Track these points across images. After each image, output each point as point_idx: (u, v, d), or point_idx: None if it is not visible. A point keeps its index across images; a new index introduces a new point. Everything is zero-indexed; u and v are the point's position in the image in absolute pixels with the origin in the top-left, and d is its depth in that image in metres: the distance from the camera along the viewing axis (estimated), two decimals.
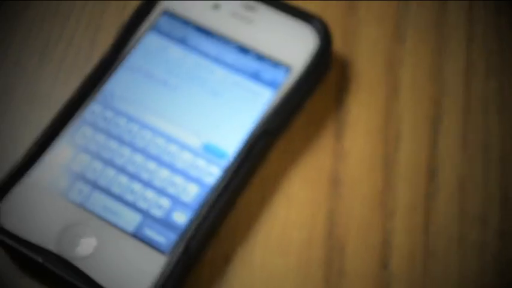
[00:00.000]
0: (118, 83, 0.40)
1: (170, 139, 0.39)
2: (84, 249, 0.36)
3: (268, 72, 0.40)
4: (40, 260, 0.35)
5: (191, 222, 0.37)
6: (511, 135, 0.39)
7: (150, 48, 0.41)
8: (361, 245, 0.37)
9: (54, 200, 0.37)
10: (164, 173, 0.38)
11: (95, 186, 0.38)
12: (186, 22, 0.42)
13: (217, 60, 0.41)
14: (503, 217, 0.37)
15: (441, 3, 0.43)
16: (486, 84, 0.41)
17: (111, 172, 0.38)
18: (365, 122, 0.40)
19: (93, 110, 0.40)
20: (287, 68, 0.40)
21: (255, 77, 0.40)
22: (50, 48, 0.43)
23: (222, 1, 0.42)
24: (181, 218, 0.37)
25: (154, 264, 0.36)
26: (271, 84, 0.40)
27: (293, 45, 0.41)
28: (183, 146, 0.39)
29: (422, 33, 0.42)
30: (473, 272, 0.36)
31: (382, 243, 0.37)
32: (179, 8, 0.42)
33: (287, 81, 0.40)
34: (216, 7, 0.42)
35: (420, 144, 0.40)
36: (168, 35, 0.41)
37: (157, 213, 0.37)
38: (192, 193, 0.38)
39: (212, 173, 0.38)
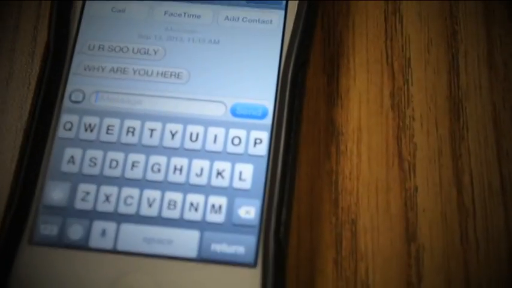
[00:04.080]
0: (82, 74, 0.31)
1: (187, 120, 0.30)
2: None
3: None
4: None
5: (266, 211, 0.28)
6: None
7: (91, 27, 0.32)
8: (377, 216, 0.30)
9: (75, 257, 0.28)
10: (200, 164, 0.29)
11: (118, 218, 0.28)
12: None
13: None
14: None
15: None
16: None
17: (132, 192, 0.29)
18: (366, 54, 0.33)
19: (67, 123, 0.30)
20: None
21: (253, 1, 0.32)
22: None
23: None
24: (249, 212, 0.29)
25: (246, 283, 0.27)
26: (276, 3, 0.32)
27: None
28: (207, 121, 0.30)
29: None
30: None
31: (405, 210, 0.30)
32: None
33: None
34: None
35: (439, 72, 0.32)
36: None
37: (216, 219, 0.29)
38: (248, 175, 0.29)
39: (259, 139, 0.29)
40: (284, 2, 0.32)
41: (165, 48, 0.31)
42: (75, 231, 0.28)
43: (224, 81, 0.30)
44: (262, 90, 0.30)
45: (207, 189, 0.29)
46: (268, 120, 0.30)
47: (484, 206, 0.30)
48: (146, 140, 0.30)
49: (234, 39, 0.31)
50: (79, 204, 0.29)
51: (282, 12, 0.32)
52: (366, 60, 0.33)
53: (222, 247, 0.28)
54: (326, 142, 0.31)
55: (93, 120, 0.30)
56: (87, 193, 0.29)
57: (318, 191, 0.30)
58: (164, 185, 0.29)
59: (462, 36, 0.33)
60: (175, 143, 0.30)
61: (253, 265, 0.28)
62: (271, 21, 0.31)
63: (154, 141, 0.30)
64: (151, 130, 0.30)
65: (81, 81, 0.31)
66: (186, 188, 0.29)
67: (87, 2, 0.32)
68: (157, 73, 0.31)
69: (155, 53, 0.31)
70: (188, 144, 0.30)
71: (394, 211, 0.30)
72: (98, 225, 0.28)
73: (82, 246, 0.28)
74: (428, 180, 0.31)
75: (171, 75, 0.31)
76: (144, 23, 0.32)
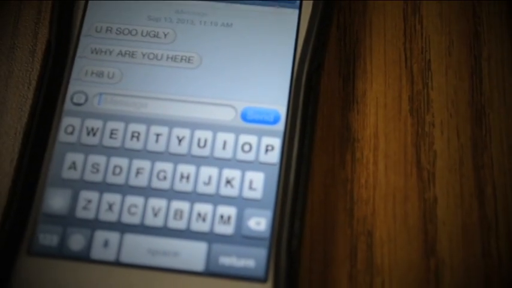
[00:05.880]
0: (84, 77, 0.30)
1: (194, 125, 0.29)
2: None
3: None
4: None
5: (277, 222, 0.28)
6: None
7: (102, 12, 0.31)
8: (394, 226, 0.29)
9: (76, 269, 0.27)
10: (209, 172, 0.29)
11: (121, 228, 0.28)
12: None
13: None
14: None
15: None
16: None
17: (137, 201, 0.28)
18: (383, 55, 0.32)
19: (68, 127, 0.29)
20: None
21: None
22: None
23: None
24: (260, 223, 0.28)
25: None
26: (290, 2, 0.31)
27: None
28: (217, 126, 0.29)
29: None
30: None
31: (423, 221, 0.29)
32: None
33: None
34: None
35: (462, 73, 0.32)
36: None
37: (225, 230, 0.28)
38: (259, 184, 0.28)
39: (271, 145, 0.29)
40: (298, 1, 0.31)
41: (175, 31, 0.31)
42: (76, 242, 0.28)
43: (234, 82, 0.30)
44: (274, 93, 0.30)
45: (216, 199, 0.28)
46: (280, 126, 0.29)
47: (507, 219, 0.29)
48: (152, 146, 0.29)
49: (246, 39, 0.30)
50: (80, 213, 0.28)
51: (296, 12, 0.31)
52: (384, 62, 0.32)
53: (231, 260, 0.27)
54: (341, 149, 0.30)
55: (96, 123, 0.29)
56: (89, 201, 0.28)
57: (332, 200, 0.30)
58: (170, 194, 0.28)
59: (485, 38, 0.32)
60: (182, 149, 0.29)
61: (263, 280, 0.27)
62: (284, 20, 0.31)
63: (160, 147, 0.29)
64: (157, 135, 0.29)
65: (83, 84, 0.30)
66: (194, 197, 0.28)
67: None
68: (167, 57, 0.30)
69: (165, 36, 0.31)
70: (196, 151, 0.29)
71: (412, 223, 0.29)
72: (101, 236, 0.28)
73: (83, 257, 0.27)
74: (449, 190, 0.30)
75: (181, 59, 0.30)
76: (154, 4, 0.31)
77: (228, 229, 0.28)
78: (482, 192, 0.30)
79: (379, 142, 0.30)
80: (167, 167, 0.29)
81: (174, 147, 0.29)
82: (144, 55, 0.30)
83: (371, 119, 0.31)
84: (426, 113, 0.31)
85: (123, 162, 0.29)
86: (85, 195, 0.28)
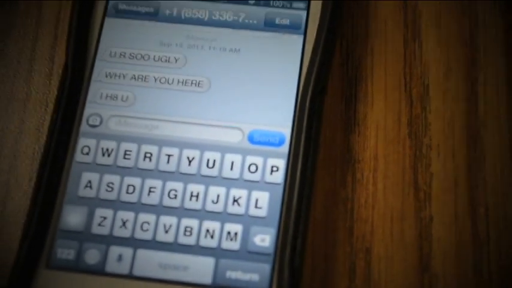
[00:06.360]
0: (99, 100, 0.32)
1: (204, 145, 0.31)
2: None
3: (285, 14, 0.33)
4: None
5: (281, 239, 0.29)
6: None
7: (116, 39, 0.33)
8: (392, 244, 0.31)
9: (91, 282, 0.29)
10: (217, 191, 0.30)
11: (137, 244, 0.30)
12: None
13: (211, 23, 0.33)
14: None
15: None
16: None
17: (149, 218, 0.30)
18: (383, 79, 0.34)
19: (84, 148, 0.31)
20: (305, 1, 0.33)
21: (270, 25, 0.33)
22: None
23: None
24: (264, 240, 0.30)
25: None
26: (295, 27, 0.33)
27: None
28: (225, 148, 0.31)
29: None
30: None
31: (419, 239, 0.31)
32: None
33: (312, 17, 0.33)
34: None
35: (459, 94, 0.34)
36: (131, 15, 0.33)
37: (232, 246, 0.30)
38: (264, 203, 0.30)
39: (276, 166, 0.31)
40: (303, 28, 0.33)
41: (186, 56, 0.32)
42: (92, 256, 0.30)
43: (242, 105, 0.32)
44: (280, 116, 0.31)
45: (223, 217, 0.30)
46: (285, 148, 0.31)
47: (498, 238, 0.31)
48: (163, 166, 0.31)
49: (253, 64, 0.32)
50: (96, 229, 0.30)
51: (301, 38, 0.33)
52: (384, 87, 0.34)
53: (237, 274, 0.29)
54: (342, 170, 0.32)
55: (111, 144, 0.31)
56: (104, 218, 0.30)
57: (333, 219, 0.32)
58: (180, 211, 0.30)
59: (482, 64, 0.34)
60: (192, 169, 0.31)
61: None
62: (290, 46, 0.33)
63: (171, 167, 0.31)
64: (168, 156, 0.31)
65: (98, 106, 0.32)
66: (202, 214, 0.30)
67: (106, 19, 0.33)
68: (178, 81, 0.32)
69: (176, 61, 0.33)
70: (205, 171, 0.31)
71: (408, 240, 0.31)
72: (115, 251, 0.30)
73: (99, 271, 0.29)
74: (444, 210, 0.32)
75: (191, 83, 0.32)
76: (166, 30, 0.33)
77: (234, 245, 0.30)
78: (476, 212, 0.32)
79: (379, 164, 0.32)
80: (178, 186, 0.31)
81: (184, 168, 0.31)
82: (156, 79, 0.32)
83: (371, 141, 0.33)
84: (424, 136, 0.33)
85: (136, 181, 0.31)
86: (100, 212, 0.30)
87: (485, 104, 0.33)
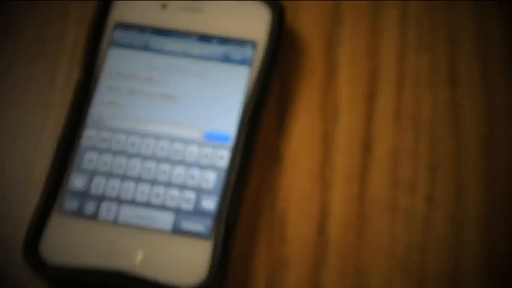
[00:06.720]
0: (101, 104, 0.45)
1: (173, 139, 0.44)
2: (134, 259, 0.41)
3: (238, 52, 0.47)
4: (104, 280, 0.40)
5: (221, 204, 0.43)
6: (439, 106, 0.45)
7: (117, 63, 0.46)
8: (301, 215, 0.44)
9: (88, 225, 0.42)
10: (179, 170, 0.44)
11: (121, 201, 0.43)
12: (141, 28, 0.47)
13: (185, 55, 0.47)
14: (430, 184, 0.43)
15: None
16: (418, 60, 0.47)
17: (130, 185, 0.43)
18: (306, 100, 0.46)
19: (89, 136, 0.45)
20: (253, 43, 0.47)
21: (227, 59, 0.46)
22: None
23: (168, 0, 0.48)
24: (209, 204, 0.43)
25: (203, 250, 0.42)
26: (244, 61, 0.46)
27: (249, 21, 0.47)
28: (187, 141, 0.44)
29: (359, 14, 0.49)
30: (402, 234, 0.42)
31: (320, 213, 0.43)
32: (129, 16, 0.48)
33: (257, 55, 0.46)
34: (164, 6, 0.48)
35: (357, 119, 0.45)
36: (129, 46, 0.47)
37: (187, 206, 0.43)
38: (211, 179, 0.44)
39: (222, 156, 0.44)
40: (250, 61, 0.46)
41: (164, 77, 0.46)
42: (90, 208, 0.43)
43: (202, 113, 0.45)
44: (227, 122, 0.45)
45: (183, 187, 0.43)
46: (230, 144, 0.44)
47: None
48: (143, 151, 0.44)
49: (213, 86, 0.46)
50: (93, 190, 0.43)
51: (248, 68, 0.46)
52: (307, 105, 0.47)
53: (188, 225, 0.43)
54: (270, 162, 0.46)
55: (107, 134, 0.45)
56: (99, 183, 0.44)
57: (261, 197, 0.45)
58: (153, 182, 0.44)
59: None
60: (164, 154, 0.44)
61: (209, 237, 0.42)
62: (238, 74, 0.46)
63: (149, 152, 0.44)
64: (147, 144, 0.45)
65: (101, 108, 0.46)
66: (168, 185, 0.43)
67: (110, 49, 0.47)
68: (159, 94, 0.46)
69: (157, 80, 0.46)
70: (173, 156, 0.44)
71: (312, 211, 0.44)
72: (105, 205, 0.43)
73: (93, 218, 0.43)
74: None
75: (167, 97, 0.45)
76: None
77: (189, 206, 0.43)
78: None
79: (300, 158, 0.46)
80: (152, 165, 0.44)
81: (158, 153, 0.44)
82: (142, 92, 0.46)
83: (293, 142, 0.46)
84: (332, 144, 0.46)
85: (123, 160, 0.44)
86: (97, 179, 0.44)
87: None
